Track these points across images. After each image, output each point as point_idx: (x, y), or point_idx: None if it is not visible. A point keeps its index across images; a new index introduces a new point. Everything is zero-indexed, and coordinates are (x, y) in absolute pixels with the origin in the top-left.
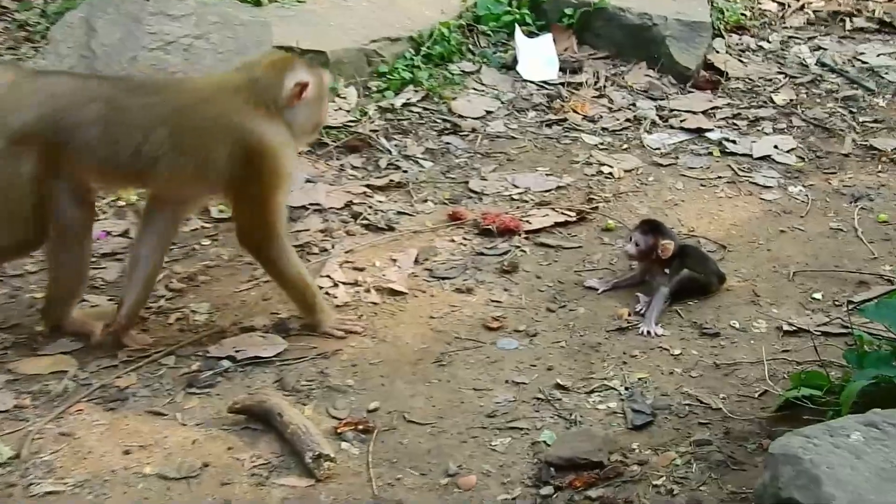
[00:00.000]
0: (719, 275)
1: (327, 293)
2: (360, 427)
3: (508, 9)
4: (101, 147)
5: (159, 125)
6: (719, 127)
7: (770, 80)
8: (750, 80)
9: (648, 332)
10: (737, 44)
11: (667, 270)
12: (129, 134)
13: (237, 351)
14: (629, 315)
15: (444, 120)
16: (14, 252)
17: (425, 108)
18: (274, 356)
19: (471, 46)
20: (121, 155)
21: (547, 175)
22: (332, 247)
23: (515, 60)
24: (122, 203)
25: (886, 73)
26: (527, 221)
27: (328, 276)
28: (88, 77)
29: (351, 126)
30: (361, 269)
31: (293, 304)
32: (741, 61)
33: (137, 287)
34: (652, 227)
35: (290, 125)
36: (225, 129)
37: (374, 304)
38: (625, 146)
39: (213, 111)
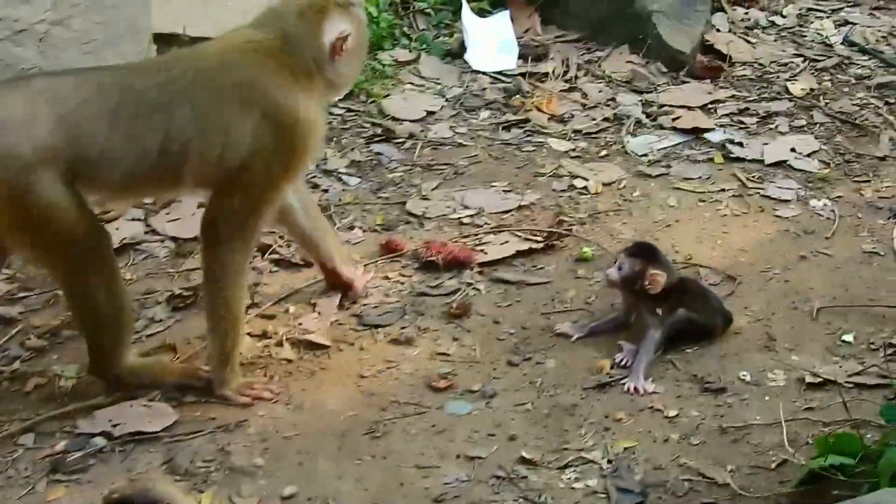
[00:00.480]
0: (725, 314)
1: None
2: None
3: None
4: (124, 148)
5: (182, 103)
6: (722, 126)
7: (785, 64)
8: (760, 65)
9: (636, 389)
10: (742, 19)
11: (659, 310)
12: (153, 121)
13: (114, 425)
14: (611, 368)
15: (374, 124)
16: None
17: (349, 110)
18: (161, 431)
19: (406, 29)
20: (148, 151)
21: (505, 191)
22: None
23: (463, 46)
24: None
25: None
26: (481, 251)
27: None
28: (87, 71)
29: None
30: (271, 317)
31: (208, 341)
32: (748, 41)
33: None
34: (642, 251)
35: (328, 84)
36: (251, 99)
37: (289, 360)
38: (603, 153)
39: (237, 77)
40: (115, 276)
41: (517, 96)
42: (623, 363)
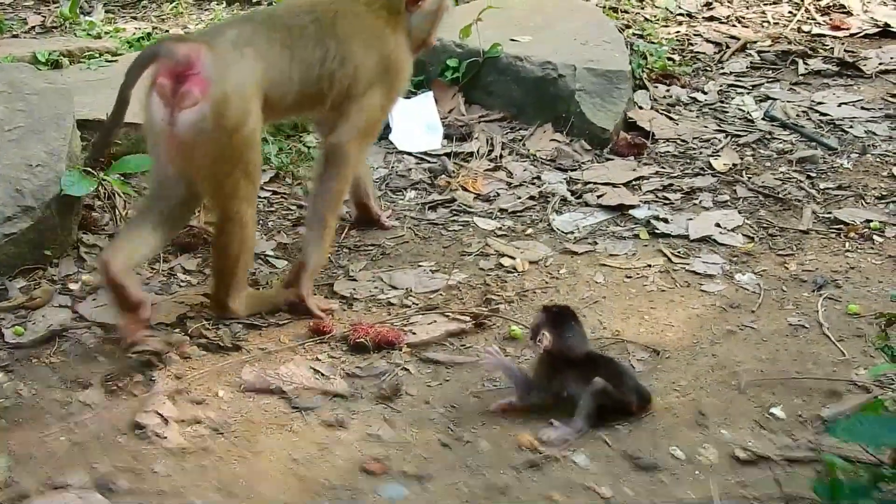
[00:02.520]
0: (641, 393)
1: (155, 434)
2: None
3: None
4: (297, 77)
5: (330, 39)
6: (646, 202)
7: (707, 140)
8: (682, 141)
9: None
10: (664, 96)
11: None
12: (315, 54)
13: None
14: (536, 441)
15: (300, 206)
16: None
17: (275, 192)
18: None
19: None
20: (311, 78)
21: (433, 271)
22: (162, 373)
23: (388, 127)
24: None
25: (851, 127)
26: (410, 332)
27: (155, 412)
28: (254, 17)
29: None
30: (200, 402)
31: (307, 253)
32: (671, 118)
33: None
34: (551, 312)
35: (408, 35)
36: (372, 44)
37: (220, 446)
38: (529, 231)
39: (362, 23)
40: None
41: (443, 176)
42: (549, 439)
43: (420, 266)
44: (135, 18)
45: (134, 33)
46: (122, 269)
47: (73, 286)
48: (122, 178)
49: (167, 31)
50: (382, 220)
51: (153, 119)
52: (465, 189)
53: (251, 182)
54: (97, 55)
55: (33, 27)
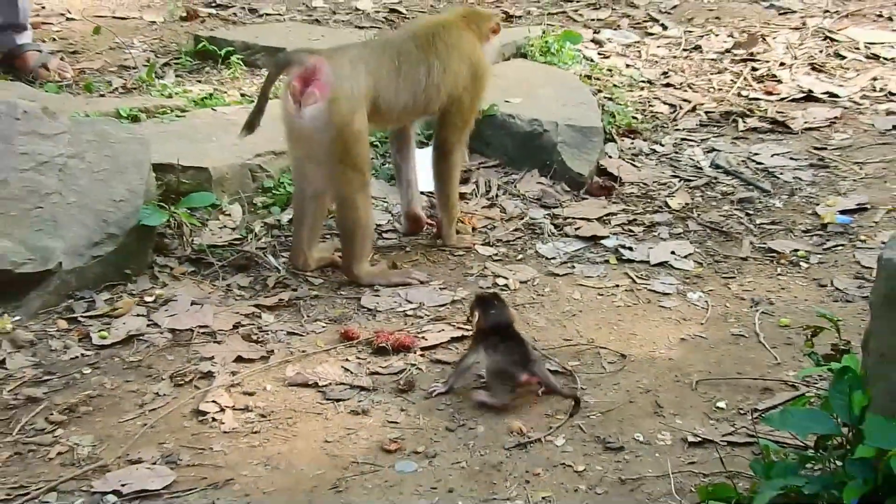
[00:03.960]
0: (530, 371)
1: (213, 419)
2: None
3: None
4: (403, 91)
5: (433, 59)
6: (615, 234)
7: (664, 183)
8: (644, 184)
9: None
10: (629, 148)
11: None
12: (419, 72)
13: (123, 485)
14: (522, 430)
15: (334, 234)
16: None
17: None
18: (162, 489)
19: None
20: (417, 92)
21: (441, 289)
22: (219, 370)
23: None
24: None
25: (781, 174)
26: (422, 338)
27: (214, 402)
28: (370, 43)
29: (237, 244)
30: (251, 394)
31: (441, 214)
32: (635, 165)
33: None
34: (479, 297)
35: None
36: (464, 57)
37: (266, 429)
38: (519, 256)
39: (457, 42)
40: (370, 198)
41: None
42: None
43: (430, 284)
44: (199, 82)
45: (199, 94)
46: (313, 259)
47: (148, 299)
48: (189, 210)
49: (225, 92)
50: (422, 221)
51: (286, 113)
52: (462, 223)
53: (360, 173)
54: (169, 111)
55: (116, 88)
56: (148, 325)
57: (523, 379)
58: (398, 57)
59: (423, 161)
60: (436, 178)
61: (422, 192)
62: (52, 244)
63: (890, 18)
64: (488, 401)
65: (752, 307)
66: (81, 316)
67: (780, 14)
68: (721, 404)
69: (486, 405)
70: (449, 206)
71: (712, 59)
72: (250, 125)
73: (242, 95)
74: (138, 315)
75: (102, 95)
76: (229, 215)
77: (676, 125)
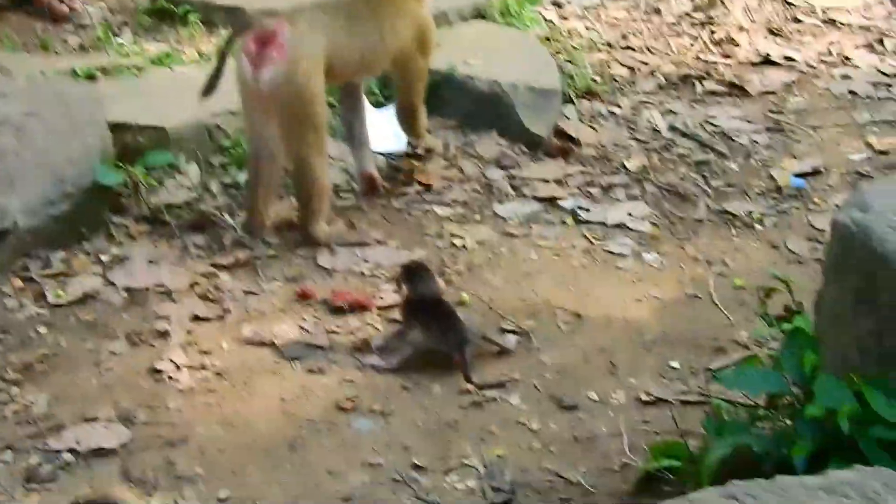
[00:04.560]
0: (462, 347)
1: (169, 377)
2: None
3: None
4: (355, 49)
5: (377, 17)
6: (572, 195)
7: (622, 146)
8: (602, 146)
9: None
10: (588, 110)
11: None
12: (368, 30)
13: (79, 442)
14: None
15: (291, 194)
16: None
17: None
18: (118, 446)
19: None
20: (367, 49)
21: (398, 249)
22: (175, 329)
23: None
24: None
25: (738, 137)
26: (379, 297)
27: (170, 360)
28: (325, 5)
29: (193, 204)
30: (207, 352)
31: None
32: (593, 128)
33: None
34: (406, 267)
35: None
36: (408, 10)
37: (222, 388)
38: (477, 217)
39: (401, 4)
40: (327, 158)
41: (405, 172)
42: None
43: (388, 244)
44: (157, 41)
45: (156, 53)
46: (269, 218)
47: (104, 258)
48: (146, 170)
49: (183, 51)
50: (376, 181)
51: (243, 75)
52: (420, 183)
53: (317, 133)
54: (126, 70)
55: (73, 47)
56: (104, 284)
57: (455, 360)
58: (350, 18)
59: (375, 121)
60: (410, 134)
61: (384, 153)
62: (7, 203)
63: None
64: (378, 364)
65: (706, 268)
66: (37, 275)
67: None
68: (675, 364)
69: (375, 368)
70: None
71: (671, 23)
72: (209, 88)
73: (200, 55)
74: (94, 274)
75: (58, 54)
76: (186, 174)
77: (635, 88)
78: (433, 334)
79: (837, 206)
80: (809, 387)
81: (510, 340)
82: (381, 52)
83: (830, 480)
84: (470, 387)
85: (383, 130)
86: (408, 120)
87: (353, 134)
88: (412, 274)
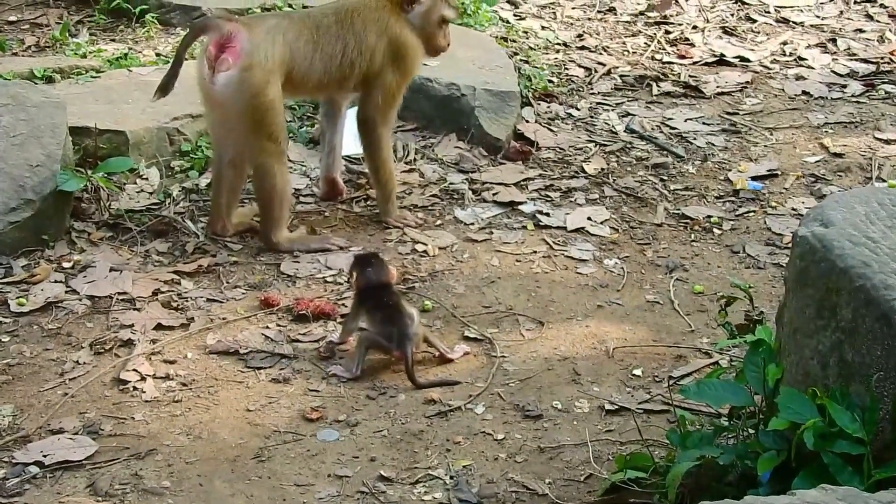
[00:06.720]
0: (401, 345)
1: (134, 388)
2: None
3: None
4: (320, 64)
5: (350, 34)
6: (532, 199)
7: (580, 148)
8: (560, 149)
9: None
10: (546, 112)
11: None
12: (336, 47)
13: (45, 455)
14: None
15: (253, 199)
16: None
17: None
18: (84, 459)
19: None
20: (333, 66)
21: None
22: (140, 338)
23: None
24: None
25: (695, 139)
26: (342, 305)
27: (135, 370)
28: (291, 15)
29: (155, 209)
30: (172, 362)
31: (375, 190)
32: (551, 130)
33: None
34: (357, 256)
35: (413, 28)
36: (382, 32)
37: (188, 398)
38: (438, 222)
39: (374, 19)
40: (287, 165)
41: (365, 176)
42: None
43: (350, 251)
44: (113, 41)
45: (113, 53)
46: (231, 224)
47: (66, 265)
48: (107, 175)
49: (140, 52)
50: (340, 188)
51: (201, 77)
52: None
53: (275, 141)
54: (84, 72)
55: (29, 47)
56: (66, 292)
57: (396, 355)
58: (317, 30)
59: (349, 125)
60: (364, 154)
61: (345, 157)
62: None
63: None
64: (340, 373)
65: (666, 273)
66: None
67: None
68: (637, 372)
69: (337, 377)
70: (380, 181)
71: (626, 22)
72: (164, 88)
73: (158, 55)
74: (56, 281)
75: (15, 54)
76: (147, 179)
77: (592, 89)
78: (376, 322)
79: (794, 209)
80: (772, 399)
81: (457, 351)
82: (347, 68)
83: (798, 502)
84: (434, 395)
85: (352, 134)
86: (367, 136)
87: (325, 139)
88: (363, 262)
